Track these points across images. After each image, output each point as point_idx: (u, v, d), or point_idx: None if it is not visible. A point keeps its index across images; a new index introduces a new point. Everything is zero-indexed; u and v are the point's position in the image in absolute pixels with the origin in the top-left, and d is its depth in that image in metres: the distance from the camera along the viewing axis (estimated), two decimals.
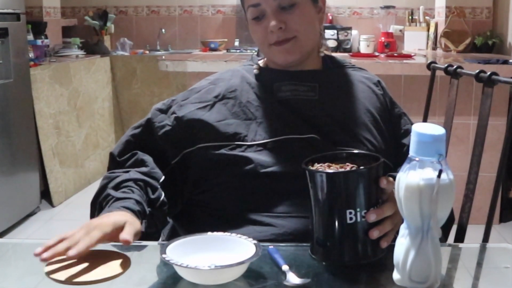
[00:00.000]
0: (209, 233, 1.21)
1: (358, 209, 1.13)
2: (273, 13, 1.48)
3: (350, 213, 1.12)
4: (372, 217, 1.13)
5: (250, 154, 1.42)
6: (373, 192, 1.15)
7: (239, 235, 1.19)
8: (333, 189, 1.13)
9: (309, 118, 1.48)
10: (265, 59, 1.62)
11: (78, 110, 4.82)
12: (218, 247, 1.18)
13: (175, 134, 1.51)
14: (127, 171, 1.46)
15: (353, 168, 1.16)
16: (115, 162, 1.52)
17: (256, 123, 1.47)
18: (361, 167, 1.15)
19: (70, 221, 4.09)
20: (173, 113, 1.53)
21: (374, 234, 1.14)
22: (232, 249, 1.16)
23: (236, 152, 1.43)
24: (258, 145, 1.43)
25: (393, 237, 1.15)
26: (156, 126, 1.53)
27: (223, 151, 1.43)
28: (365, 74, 1.64)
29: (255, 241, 1.16)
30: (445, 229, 1.53)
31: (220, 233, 1.21)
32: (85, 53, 5.42)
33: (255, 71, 1.57)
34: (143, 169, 1.46)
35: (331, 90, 1.54)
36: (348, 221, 1.13)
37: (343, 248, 1.15)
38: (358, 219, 1.13)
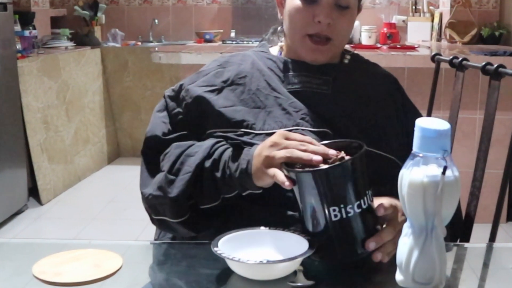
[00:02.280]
0: (262, 228, 1.24)
1: (341, 206, 1.13)
2: (328, 5, 1.47)
3: (334, 210, 1.13)
4: (372, 245, 1.15)
5: (258, 142, 1.40)
6: (358, 184, 1.14)
7: (292, 231, 1.21)
8: (308, 188, 1.14)
9: (321, 112, 1.47)
10: (278, 46, 1.61)
11: (67, 104, 4.81)
12: (270, 243, 1.20)
13: (189, 122, 1.50)
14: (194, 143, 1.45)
15: (335, 163, 1.16)
16: (161, 141, 1.49)
17: (265, 112, 1.46)
18: (332, 165, 1.15)
19: (59, 220, 4.09)
20: (183, 99, 1.52)
21: (378, 256, 1.16)
22: (285, 244, 1.18)
23: (244, 138, 1.42)
24: (266, 134, 1.42)
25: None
26: (171, 113, 1.53)
27: (230, 135, 1.42)
28: (382, 71, 1.63)
29: (308, 237, 1.17)
30: (455, 229, 1.54)
31: (272, 229, 1.23)
32: (74, 44, 5.40)
33: (269, 59, 1.57)
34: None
35: (345, 85, 1.53)
36: (334, 219, 1.13)
37: (332, 246, 1.16)
38: (344, 215, 1.13)
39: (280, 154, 1.22)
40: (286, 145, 1.23)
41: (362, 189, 1.15)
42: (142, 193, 1.46)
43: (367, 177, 1.17)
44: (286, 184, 1.17)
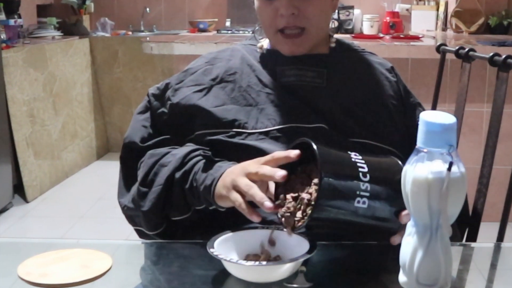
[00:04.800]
0: (259, 228, 1.24)
1: (357, 193, 1.13)
2: None
3: (358, 202, 1.13)
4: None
5: (251, 142, 1.41)
6: (348, 176, 1.14)
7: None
8: (325, 220, 1.14)
9: (316, 106, 1.47)
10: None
11: (54, 96, 4.80)
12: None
13: (174, 122, 1.51)
14: (173, 148, 1.46)
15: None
16: (138, 148, 1.50)
17: (258, 109, 1.46)
18: (312, 212, 1.13)
19: (46, 218, 4.09)
20: (168, 99, 1.53)
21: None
22: (284, 245, 1.18)
23: (236, 140, 1.42)
24: (259, 133, 1.42)
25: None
26: (155, 113, 1.54)
27: (220, 137, 1.43)
28: (377, 59, 1.62)
29: (308, 237, 1.17)
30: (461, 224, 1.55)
31: (271, 229, 1.23)
32: (62, 34, 5.40)
33: (258, 52, 1.57)
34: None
35: (340, 77, 1.53)
36: (362, 205, 1.13)
37: (385, 219, 1.18)
38: (368, 194, 1.13)
39: (243, 184, 1.22)
40: (255, 172, 1.22)
41: (352, 172, 1.15)
42: (119, 202, 1.51)
43: (340, 152, 1.19)
44: (254, 219, 1.19)
